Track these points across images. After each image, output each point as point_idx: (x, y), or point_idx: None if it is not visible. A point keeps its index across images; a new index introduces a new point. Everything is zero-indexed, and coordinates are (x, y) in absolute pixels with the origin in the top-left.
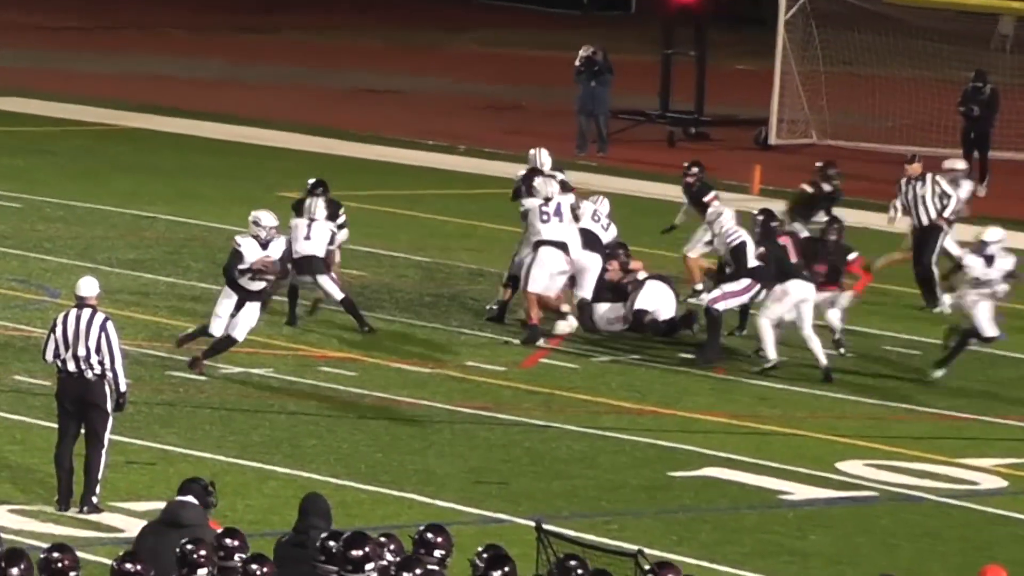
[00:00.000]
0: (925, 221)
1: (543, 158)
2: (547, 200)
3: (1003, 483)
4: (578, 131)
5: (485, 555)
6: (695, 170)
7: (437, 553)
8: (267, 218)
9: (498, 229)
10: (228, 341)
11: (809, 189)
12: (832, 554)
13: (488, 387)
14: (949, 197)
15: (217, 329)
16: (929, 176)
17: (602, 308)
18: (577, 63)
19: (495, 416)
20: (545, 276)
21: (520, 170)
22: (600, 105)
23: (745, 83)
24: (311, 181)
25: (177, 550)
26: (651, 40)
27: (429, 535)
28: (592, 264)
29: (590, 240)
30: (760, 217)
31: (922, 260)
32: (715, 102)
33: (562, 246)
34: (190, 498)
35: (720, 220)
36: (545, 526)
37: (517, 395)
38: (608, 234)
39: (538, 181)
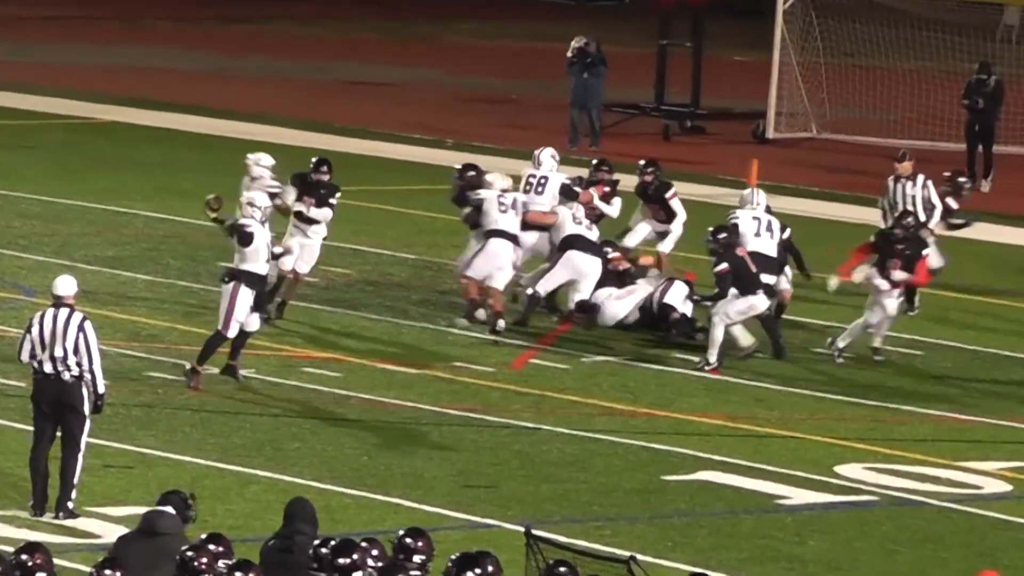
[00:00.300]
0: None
1: (542, 157)
2: (503, 192)
3: (1007, 487)
4: (570, 124)
5: (455, 556)
6: (651, 168)
7: (417, 558)
8: (261, 198)
9: None
10: (220, 338)
11: (954, 204)
12: (831, 560)
13: (477, 388)
14: (935, 208)
15: (234, 331)
16: (920, 178)
17: (607, 290)
18: (569, 55)
19: (484, 418)
20: (489, 267)
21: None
22: (593, 98)
23: (743, 75)
24: (314, 160)
25: (178, 557)
26: (646, 31)
27: (409, 540)
28: (593, 270)
29: (588, 245)
30: (721, 235)
31: None
32: (712, 95)
33: (513, 239)
34: (168, 508)
35: (746, 197)
36: (535, 531)
37: (506, 396)
38: (592, 234)
39: (491, 175)
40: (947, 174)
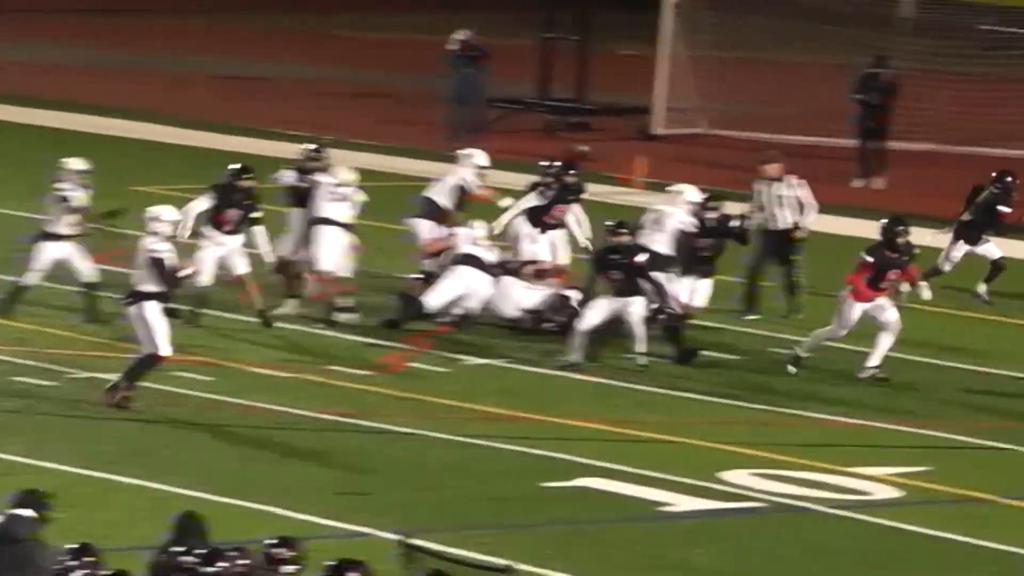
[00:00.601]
0: (781, 225)
1: (460, 154)
2: (342, 184)
3: (898, 493)
4: (451, 120)
5: (327, 564)
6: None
7: (287, 569)
8: (168, 212)
9: (364, 225)
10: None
11: (1006, 209)
12: (716, 569)
13: (352, 392)
14: (809, 207)
15: (167, 349)
16: (793, 179)
17: (511, 279)
18: (452, 47)
19: (359, 423)
20: (334, 255)
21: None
22: (475, 92)
23: (632, 69)
24: (236, 167)
25: (58, 566)
26: (530, 23)
27: (278, 549)
28: (482, 289)
29: (482, 265)
30: (623, 229)
31: (788, 265)
32: (600, 89)
33: (346, 227)
34: (24, 511)
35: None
36: (411, 540)
37: (382, 400)
38: (490, 256)
39: (339, 167)
40: (994, 175)
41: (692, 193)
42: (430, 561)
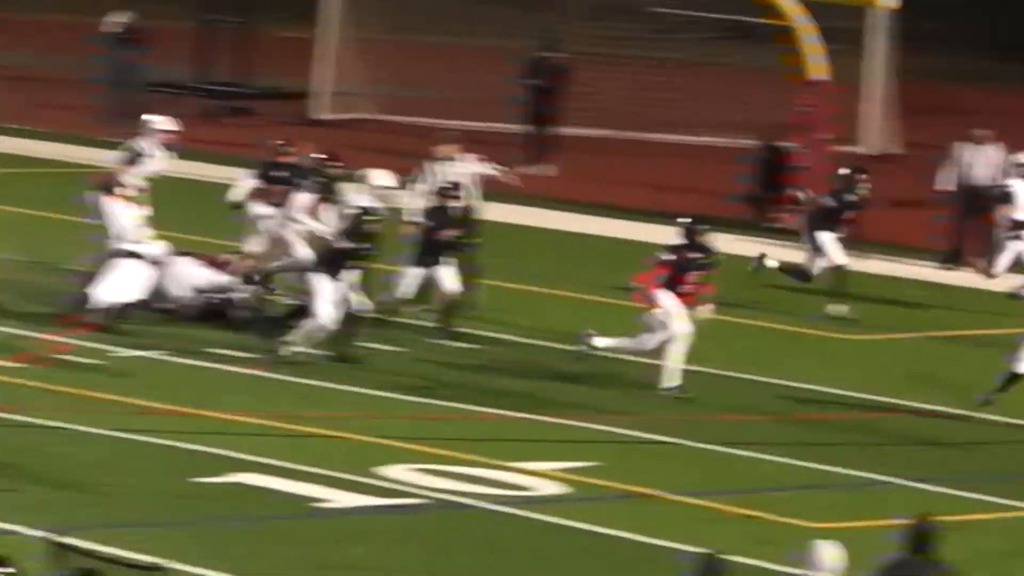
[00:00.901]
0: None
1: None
2: None
3: (563, 489)
4: (106, 104)
5: None
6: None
7: None
8: None
9: (17, 212)
10: None
11: (832, 203)
12: (374, 567)
13: (2, 385)
14: (483, 177)
15: None
16: (472, 156)
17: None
18: (109, 30)
19: (11, 418)
20: None
21: None
22: (132, 76)
23: (297, 52)
24: None
25: None
26: (189, 5)
27: None
28: (139, 280)
29: (140, 257)
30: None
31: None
32: (264, 73)
33: None
34: None
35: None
36: (59, 538)
37: (33, 394)
38: (154, 250)
39: None
40: (847, 171)
41: (382, 178)
42: (79, 559)
